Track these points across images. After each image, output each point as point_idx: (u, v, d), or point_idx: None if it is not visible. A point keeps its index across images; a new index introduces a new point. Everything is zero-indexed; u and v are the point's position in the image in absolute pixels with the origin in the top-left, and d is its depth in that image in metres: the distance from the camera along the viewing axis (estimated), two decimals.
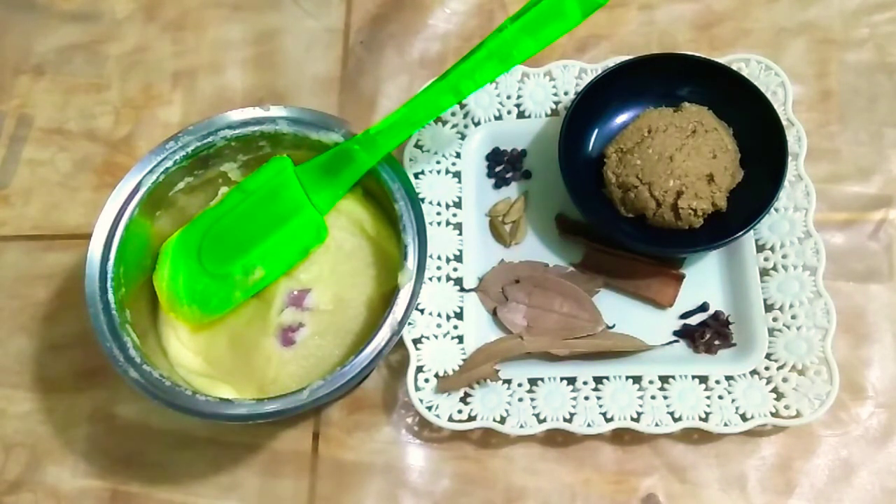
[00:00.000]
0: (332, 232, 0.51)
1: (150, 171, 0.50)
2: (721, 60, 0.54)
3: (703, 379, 0.50)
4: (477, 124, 0.58)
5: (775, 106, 0.52)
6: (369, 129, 0.49)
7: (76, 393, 0.56)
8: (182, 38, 0.66)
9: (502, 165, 0.58)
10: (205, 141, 0.51)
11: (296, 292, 0.51)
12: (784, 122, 0.52)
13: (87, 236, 0.47)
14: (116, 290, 0.47)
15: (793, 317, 0.50)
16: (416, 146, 0.57)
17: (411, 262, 0.47)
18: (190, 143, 0.50)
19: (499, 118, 0.58)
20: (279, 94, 0.63)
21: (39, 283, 0.60)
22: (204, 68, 0.65)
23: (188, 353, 0.51)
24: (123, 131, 0.64)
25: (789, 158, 0.51)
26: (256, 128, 0.51)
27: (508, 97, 0.58)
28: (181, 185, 0.52)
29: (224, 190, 0.54)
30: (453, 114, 0.58)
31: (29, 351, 0.58)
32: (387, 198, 0.49)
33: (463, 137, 0.58)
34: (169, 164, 0.50)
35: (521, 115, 0.58)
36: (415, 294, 0.46)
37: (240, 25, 0.66)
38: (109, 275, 0.47)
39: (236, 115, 0.51)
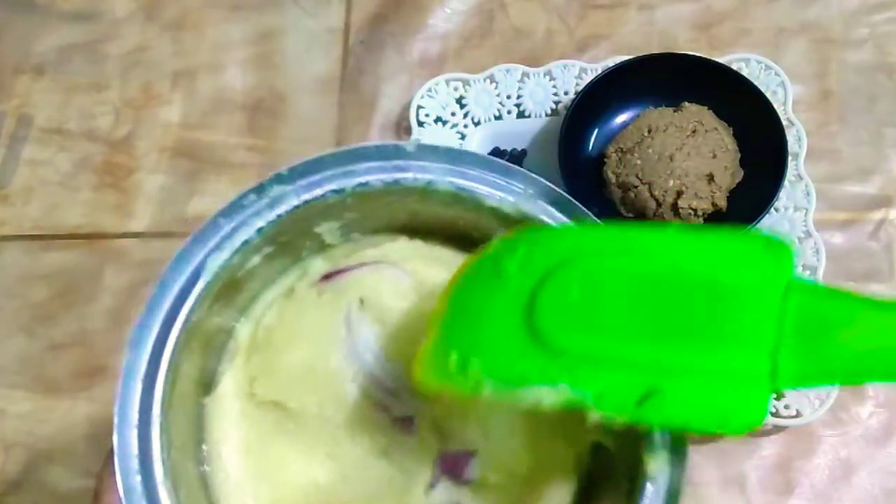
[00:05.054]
0: None
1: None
2: (721, 60, 0.54)
3: None
4: (477, 124, 0.58)
5: (775, 106, 0.52)
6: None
7: (76, 393, 0.56)
8: (182, 38, 0.66)
9: None
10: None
11: (451, 453, 0.33)
12: (784, 122, 0.52)
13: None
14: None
15: None
16: None
17: None
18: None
19: (499, 118, 0.58)
20: (279, 94, 0.63)
21: (39, 283, 0.59)
22: (204, 68, 0.65)
23: None
24: (123, 131, 0.64)
25: (789, 158, 0.51)
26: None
27: (508, 97, 0.58)
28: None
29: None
30: (453, 114, 0.58)
31: (29, 351, 0.58)
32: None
33: (463, 137, 0.58)
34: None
35: (521, 114, 0.58)
36: None
37: (240, 25, 0.66)
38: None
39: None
